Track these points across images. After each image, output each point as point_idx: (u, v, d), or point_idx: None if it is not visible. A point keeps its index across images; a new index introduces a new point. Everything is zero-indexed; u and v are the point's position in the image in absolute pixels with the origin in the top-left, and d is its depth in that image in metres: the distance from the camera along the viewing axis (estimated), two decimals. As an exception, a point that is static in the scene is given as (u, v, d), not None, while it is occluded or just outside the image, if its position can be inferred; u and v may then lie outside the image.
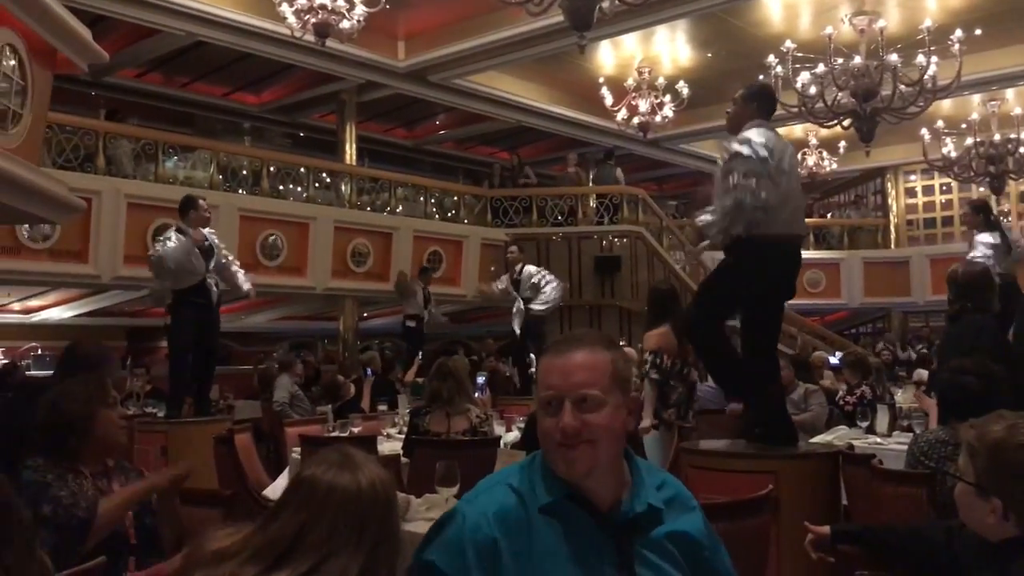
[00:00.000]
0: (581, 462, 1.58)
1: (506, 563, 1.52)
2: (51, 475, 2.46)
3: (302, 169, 12.43)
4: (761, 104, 4.29)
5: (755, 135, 4.04)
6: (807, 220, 17.95)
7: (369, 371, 9.48)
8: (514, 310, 9.88)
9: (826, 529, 2.19)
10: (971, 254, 7.86)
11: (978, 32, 9.72)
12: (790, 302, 4.30)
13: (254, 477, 5.34)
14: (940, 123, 11.53)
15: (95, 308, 13.17)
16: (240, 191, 11.53)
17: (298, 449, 4.93)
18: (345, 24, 8.42)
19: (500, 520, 1.56)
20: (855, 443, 4.79)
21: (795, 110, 9.62)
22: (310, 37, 8.64)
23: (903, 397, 7.41)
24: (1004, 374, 3.10)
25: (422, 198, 14.04)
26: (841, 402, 6.99)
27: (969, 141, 11.88)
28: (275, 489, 5.20)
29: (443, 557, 1.55)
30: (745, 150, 3.98)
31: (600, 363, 1.63)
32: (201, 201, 7.13)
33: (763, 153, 3.96)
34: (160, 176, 10.58)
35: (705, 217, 4.15)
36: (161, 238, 6.91)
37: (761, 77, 9.41)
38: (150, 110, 14.28)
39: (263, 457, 6.79)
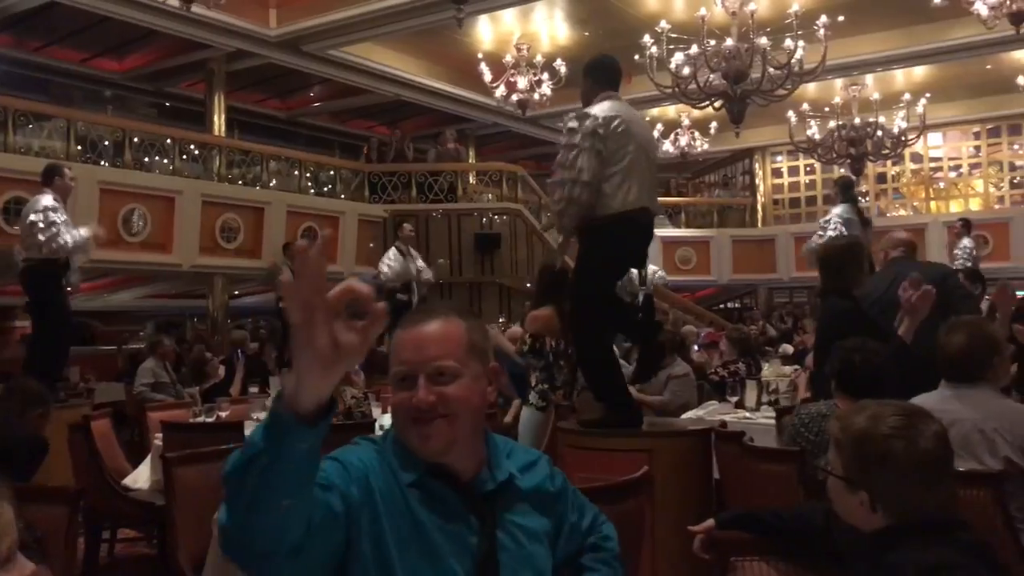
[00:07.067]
0: (436, 438, 1.52)
1: (378, 502, 1.49)
2: None
3: (168, 140, 11.89)
4: (596, 77, 4.24)
5: (595, 109, 4.03)
6: (679, 199, 18.63)
7: (241, 353, 9.16)
8: (417, 283, 10.07)
9: (711, 522, 2.18)
10: (825, 225, 8.27)
11: (841, 19, 10.09)
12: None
13: (114, 465, 5.07)
14: (805, 106, 11.97)
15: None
16: (102, 163, 10.94)
17: (160, 435, 4.69)
18: (212, -11, 8.05)
19: (374, 475, 1.53)
20: (727, 419, 4.90)
21: (669, 91, 9.77)
22: (175, 1, 8.22)
23: (769, 371, 7.67)
24: (886, 354, 3.17)
25: (296, 172, 13.67)
26: (711, 373, 7.15)
27: (832, 124, 12.38)
28: (136, 477, 4.95)
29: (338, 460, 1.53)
30: (573, 123, 3.98)
31: (454, 333, 1.57)
32: (67, 170, 6.78)
33: (589, 126, 3.93)
34: (11, 146, 9.89)
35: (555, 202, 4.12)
36: (41, 212, 6.44)
37: (636, 57, 9.52)
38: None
39: (127, 442, 6.48)
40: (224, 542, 1.31)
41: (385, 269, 9.98)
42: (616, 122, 3.97)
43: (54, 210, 6.43)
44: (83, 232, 6.54)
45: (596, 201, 3.95)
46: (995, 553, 1.69)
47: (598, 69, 4.30)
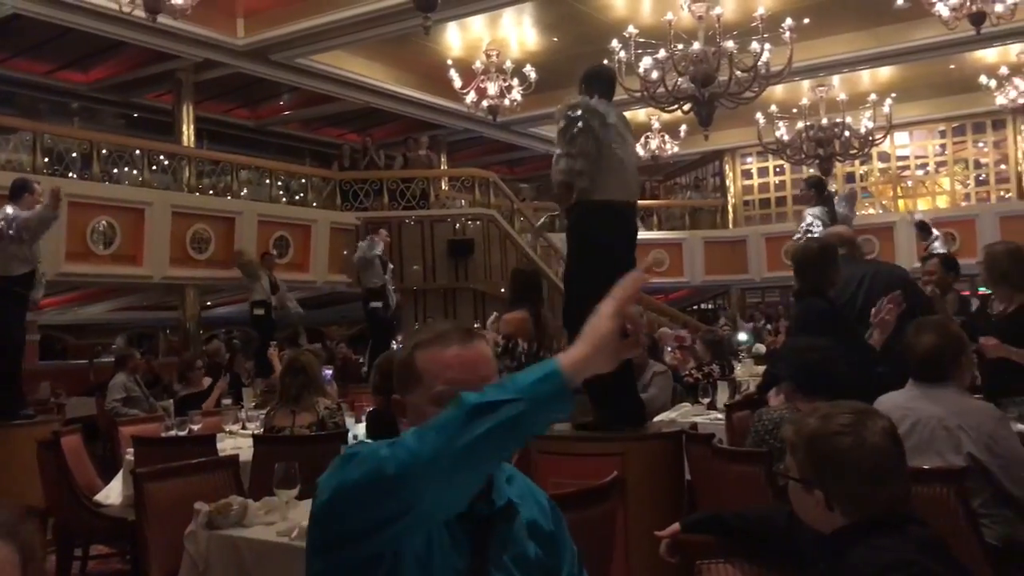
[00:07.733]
0: None
1: None
2: None
3: (137, 152, 11.80)
4: (589, 85, 4.42)
5: (594, 101, 4.26)
6: (652, 202, 18.71)
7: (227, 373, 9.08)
8: (392, 289, 10.80)
9: (676, 527, 2.19)
10: (800, 227, 8.32)
11: (806, 21, 10.19)
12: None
13: (85, 481, 5.01)
14: (773, 108, 12.10)
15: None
16: (70, 175, 10.83)
17: (131, 450, 4.64)
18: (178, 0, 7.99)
19: None
20: (698, 420, 4.93)
21: (638, 94, 9.82)
22: (140, 12, 8.15)
23: (741, 371, 7.76)
24: (840, 353, 3.16)
25: (267, 181, 13.59)
26: (685, 375, 7.20)
27: (800, 125, 12.50)
28: (108, 493, 4.91)
29: None
30: (571, 105, 4.20)
31: (489, 352, 1.62)
32: (36, 185, 6.68)
33: (589, 107, 4.18)
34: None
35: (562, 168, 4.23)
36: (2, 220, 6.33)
37: (605, 61, 9.56)
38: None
39: (99, 457, 6.41)
40: (403, 472, 1.25)
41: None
42: (612, 117, 4.22)
43: (15, 217, 6.34)
44: (38, 208, 6.41)
45: (594, 182, 4.12)
46: (949, 548, 1.72)
47: (593, 78, 4.47)
